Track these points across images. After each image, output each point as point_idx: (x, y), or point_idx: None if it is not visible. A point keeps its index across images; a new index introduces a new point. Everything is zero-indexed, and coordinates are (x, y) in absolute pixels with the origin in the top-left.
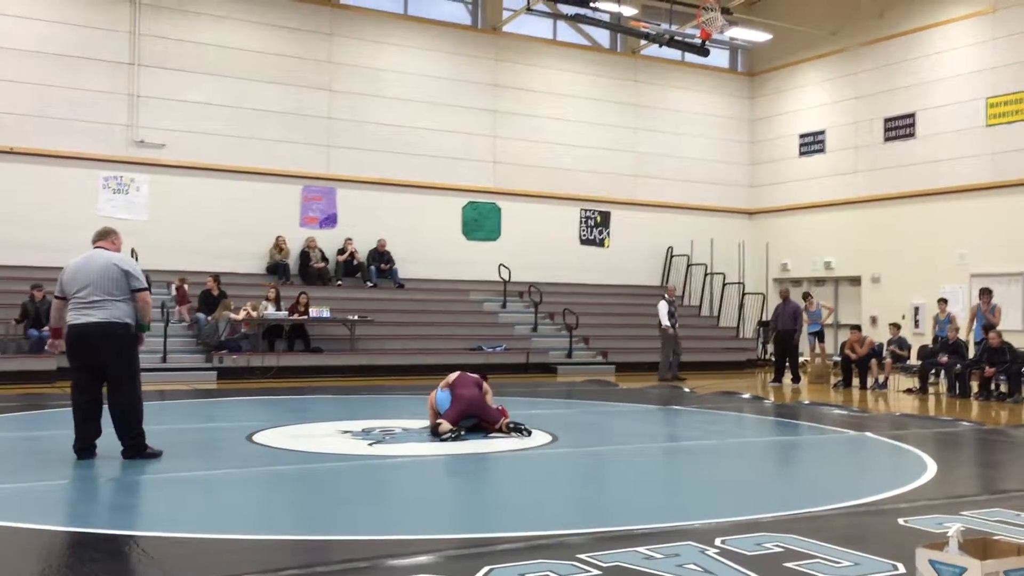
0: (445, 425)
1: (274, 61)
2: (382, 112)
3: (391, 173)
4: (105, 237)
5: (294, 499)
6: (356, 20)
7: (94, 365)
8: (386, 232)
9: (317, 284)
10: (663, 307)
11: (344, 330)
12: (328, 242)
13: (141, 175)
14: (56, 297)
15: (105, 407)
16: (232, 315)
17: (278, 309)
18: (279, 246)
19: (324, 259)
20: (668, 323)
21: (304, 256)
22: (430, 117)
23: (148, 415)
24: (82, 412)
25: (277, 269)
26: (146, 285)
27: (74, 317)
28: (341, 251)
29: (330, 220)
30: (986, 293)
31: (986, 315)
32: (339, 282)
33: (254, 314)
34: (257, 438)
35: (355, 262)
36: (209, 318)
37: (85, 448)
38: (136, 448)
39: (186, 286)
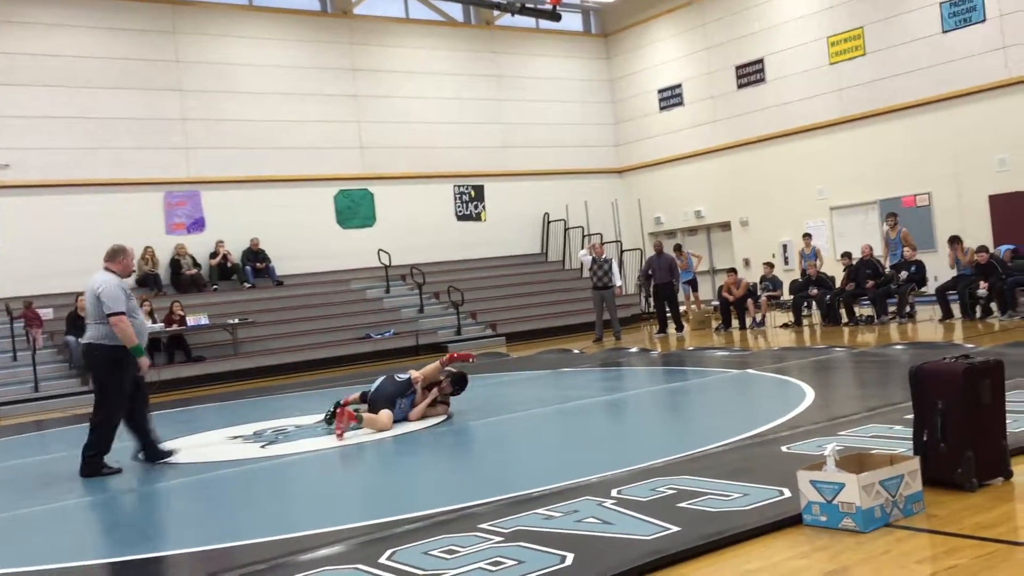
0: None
1: (119, 66)
2: (239, 108)
3: (256, 170)
4: (111, 258)
5: (190, 511)
6: (200, 15)
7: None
8: (258, 230)
9: (192, 291)
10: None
11: (226, 335)
12: (199, 247)
13: None
14: None
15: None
16: None
17: (153, 322)
18: (146, 257)
19: (196, 265)
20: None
21: (175, 264)
22: (290, 108)
23: (27, 448)
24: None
25: (147, 281)
26: (115, 310)
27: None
28: (213, 255)
29: (198, 224)
30: (892, 216)
31: (891, 238)
32: (215, 287)
33: None
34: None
35: (229, 264)
36: (79, 340)
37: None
38: (92, 466)
39: (40, 310)
